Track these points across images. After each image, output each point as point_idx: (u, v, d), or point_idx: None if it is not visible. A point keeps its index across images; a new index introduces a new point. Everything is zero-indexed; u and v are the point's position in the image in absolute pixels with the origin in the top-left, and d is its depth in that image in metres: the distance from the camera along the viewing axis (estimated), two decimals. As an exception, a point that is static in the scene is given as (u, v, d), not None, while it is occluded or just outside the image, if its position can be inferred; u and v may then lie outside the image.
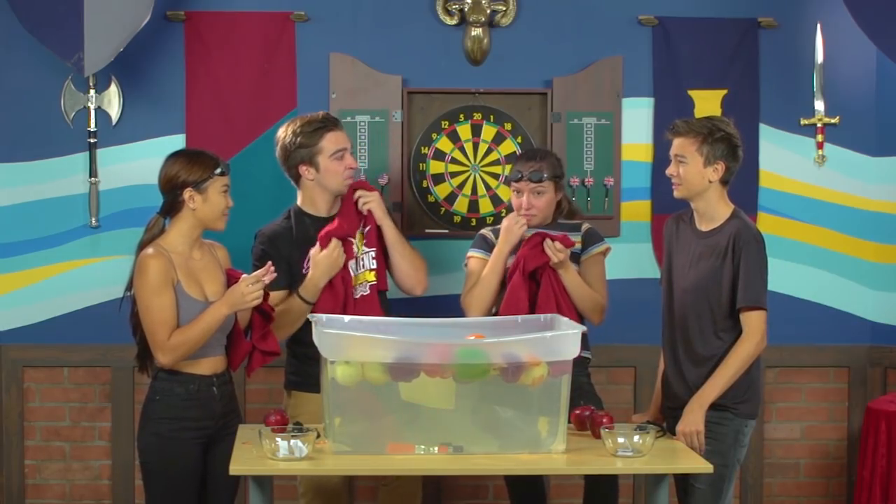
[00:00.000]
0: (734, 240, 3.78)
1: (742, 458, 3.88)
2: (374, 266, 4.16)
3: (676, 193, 3.87)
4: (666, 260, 3.99)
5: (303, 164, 4.13)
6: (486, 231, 4.34)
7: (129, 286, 3.78)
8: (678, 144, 3.85)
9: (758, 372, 3.86)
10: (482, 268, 4.23)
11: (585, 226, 4.32)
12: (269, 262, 3.81)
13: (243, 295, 3.69)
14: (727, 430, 3.80)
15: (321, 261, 4.04)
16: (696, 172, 3.80)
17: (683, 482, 3.83)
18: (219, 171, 3.77)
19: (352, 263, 4.12)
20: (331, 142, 4.12)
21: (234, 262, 3.96)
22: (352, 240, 4.12)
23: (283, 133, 4.16)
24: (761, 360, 3.87)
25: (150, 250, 3.71)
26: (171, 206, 3.78)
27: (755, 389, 3.85)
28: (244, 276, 3.77)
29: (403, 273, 4.24)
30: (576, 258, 4.22)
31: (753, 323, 3.76)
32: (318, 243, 4.07)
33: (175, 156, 3.83)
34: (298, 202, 4.23)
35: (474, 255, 4.29)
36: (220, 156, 3.84)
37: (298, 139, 4.11)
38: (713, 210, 3.85)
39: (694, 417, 3.72)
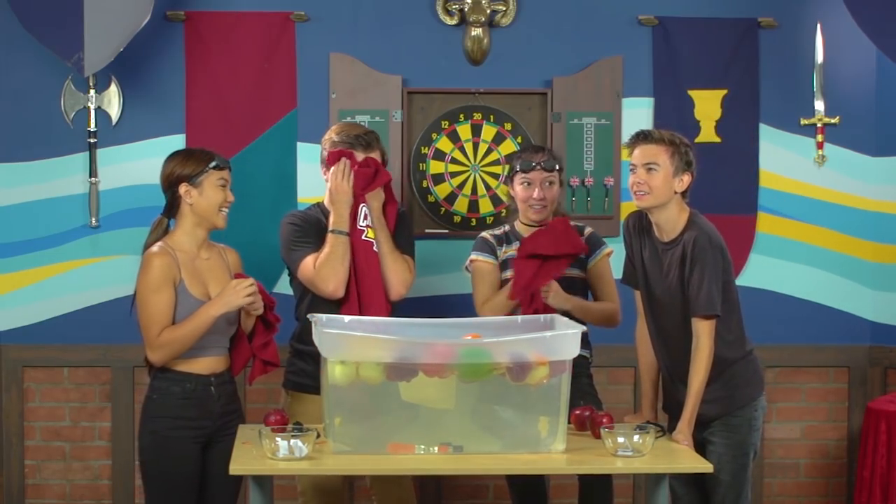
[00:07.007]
0: (688, 248, 3.68)
1: (758, 442, 3.84)
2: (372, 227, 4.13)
3: (642, 203, 3.72)
4: (635, 257, 3.88)
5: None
6: (486, 234, 4.29)
7: None
8: (650, 151, 3.71)
9: (745, 363, 3.80)
10: (489, 271, 4.21)
11: (587, 231, 4.27)
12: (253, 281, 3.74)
13: (235, 291, 3.66)
14: (740, 421, 3.78)
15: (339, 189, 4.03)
16: (666, 182, 3.69)
17: (700, 481, 3.81)
18: (213, 164, 3.76)
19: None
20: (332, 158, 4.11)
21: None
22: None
23: None
24: (754, 355, 3.84)
25: (155, 248, 3.71)
26: (172, 205, 3.78)
27: (747, 377, 3.80)
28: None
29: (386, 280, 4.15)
30: (582, 265, 4.21)
31: (705, 331, 3.66)
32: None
33: (172, 154, 3.84)
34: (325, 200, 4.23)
35: (478, 258, 4.25)
36: (220, 153, 3.83)
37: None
38: (673, 221, 3.74)
39: (683, 438, 3.67)
